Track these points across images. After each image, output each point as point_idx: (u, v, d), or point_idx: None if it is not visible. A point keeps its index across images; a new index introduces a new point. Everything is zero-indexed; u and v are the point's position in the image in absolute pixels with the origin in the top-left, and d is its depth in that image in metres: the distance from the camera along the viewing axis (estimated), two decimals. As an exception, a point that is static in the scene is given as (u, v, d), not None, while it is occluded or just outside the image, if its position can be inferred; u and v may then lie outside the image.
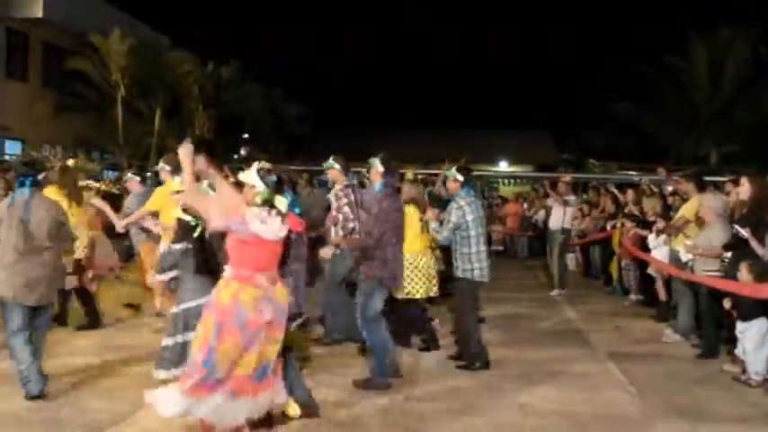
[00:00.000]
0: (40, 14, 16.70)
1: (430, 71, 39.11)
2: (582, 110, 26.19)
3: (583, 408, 4.34)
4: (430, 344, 5.63)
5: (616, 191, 10.18)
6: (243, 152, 24.31)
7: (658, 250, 6.92)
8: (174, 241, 4.09)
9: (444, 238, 5.06)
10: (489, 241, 14.46)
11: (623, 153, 20.27)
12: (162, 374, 3.94)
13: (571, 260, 11.73)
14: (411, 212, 5.46)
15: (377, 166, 4.69)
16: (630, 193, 9.34)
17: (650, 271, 7.42)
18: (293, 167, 18.53)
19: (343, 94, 33.84)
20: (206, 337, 3.27)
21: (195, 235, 3.93)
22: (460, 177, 5.10)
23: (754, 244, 4.88)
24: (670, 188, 8.49)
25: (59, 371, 4.62)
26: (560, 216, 9.05)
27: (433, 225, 5.30)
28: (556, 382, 4.87)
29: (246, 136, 23.79)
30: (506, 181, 22.37)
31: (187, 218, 3.98)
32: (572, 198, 9.27)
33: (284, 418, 3.74)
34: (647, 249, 7.38)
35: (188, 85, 18.67)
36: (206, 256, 3.90)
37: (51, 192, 5.28)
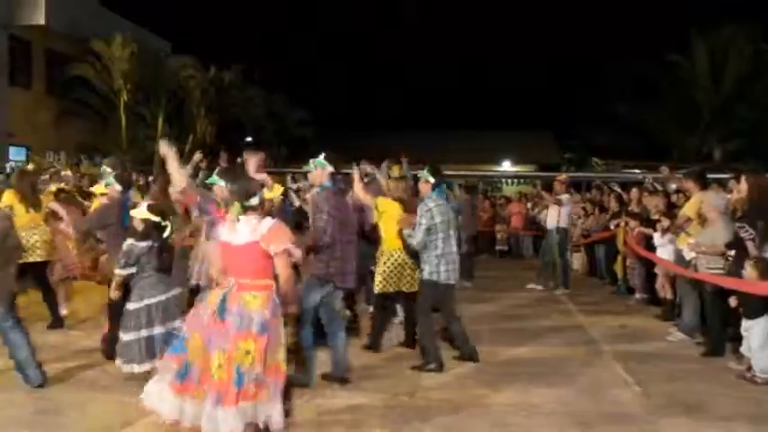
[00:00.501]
0: (42, 21, 16.81)
1: (430, 72, 39.17)
2: (584, 109, 26.12)
3: (587, 406, 4.33)
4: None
5: (619, 190, 10.16)
6: (245, 155, 24.40)
7: (664, 249, 6.89)
8: (139, 239, 4.28)
9: (418, 242, 4.96)
10: (494, 241, 14.63)
11: (626, 152, 20.21)
12: (126, 368, 4.17)
13: (577, 259, 11.73)
14: (393, 210, 5.42)
15: (326, 165, 4.58)
16: (634, 192, 9.32)
17: (656, 270, 7.40)
18: (297, 170, 18.64)
19: (344, 96, 33.93)
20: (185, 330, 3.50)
21: (164, 235, 4.29)
22: (432, 179, 5.09)
23: (750, 245, 4.88)
24: (674, 186, 8.48)
25: (62, 373, 4.65)
26: (555, 216, 9.11)
27: (406, 231, 5.16)
28: (560, 380, 4.87)
29: (249, 140, 23.83)
30: (510, 181, 22.36)
31: (155, 218, 4.26)
32: (565, 197, 9.25)
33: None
34: (651, 248, 7.37)
35: (190, 90, 18.73)
36: (169, 254, 4.33)
37: (8, 196, 5.55)
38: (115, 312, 4.48)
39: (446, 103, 35.62)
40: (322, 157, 4.60)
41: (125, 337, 4.21)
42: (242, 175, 4.25)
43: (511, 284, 9.70)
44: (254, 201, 3.47)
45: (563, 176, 10.13)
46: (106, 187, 5.18)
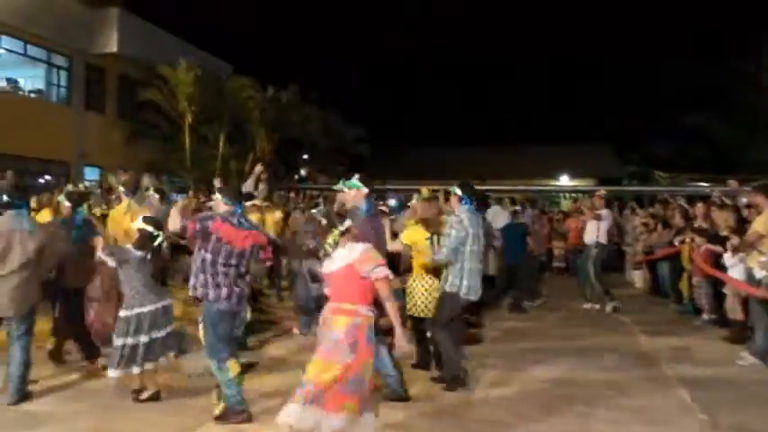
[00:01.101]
0: (115, 49, 17.94)
1: (485, 86, 38.88)
2: (646, 121, 25.24)
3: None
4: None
5: (685, 204, 9.70)
6: (302, 172, 24.97)
7: (735, 269, 6.51)
8: (135, 248, 4.56)
9: (446, 257, 4.88)
10: (551, 258, 14.25)
11: (692, 164, 19.34)
12: (113, 373, 4.37)
13: (638, 277, 11.26)
14: (418, 236, 5.35)
15: (360, 187, 4.50)
16: (700, 206, 8.87)
17: (725, 289, 7.00)
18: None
19: (399, 114, 34.21)
20: None
21: (155, 244, 4.57)
22: (459, 192, 5.05)
23: None
24: (744, 200, 8.02)
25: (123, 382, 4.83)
26: (594, 231, 8.87)
27: (430, 257, 5.13)
28: (619, 406, 4.65)
29: (306, 157, 24.41)
30: (568, 195, 21.81)
31: (149, 228, 4.55)
32: (605, 212, 8.99)
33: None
34: (719, 265, 6.97)
35: (249, 110, 19.36)
36: (161, 265, 4.61)
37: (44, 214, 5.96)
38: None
39: (502, 117, 35.32)
40: (356, 178, 4.52)
41: (115, 342, 4.43)
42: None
43: (567, 302, 9.40)
44: (344, 226, 3.69)
45: (602, 191, 9.89)
46: (58, 205, 5.57)
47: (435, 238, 5.28)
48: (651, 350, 6.49)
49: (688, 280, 8.46)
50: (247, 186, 7.29)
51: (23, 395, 4.43)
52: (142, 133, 18.56)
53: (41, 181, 15.90)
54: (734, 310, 6.76)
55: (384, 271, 3.49)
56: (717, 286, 7.40)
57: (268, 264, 4.56)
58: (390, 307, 3.47)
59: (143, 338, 4.38)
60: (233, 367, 4.05)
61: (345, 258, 3.53)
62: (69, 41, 17.25)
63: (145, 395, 4.49)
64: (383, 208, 5.64)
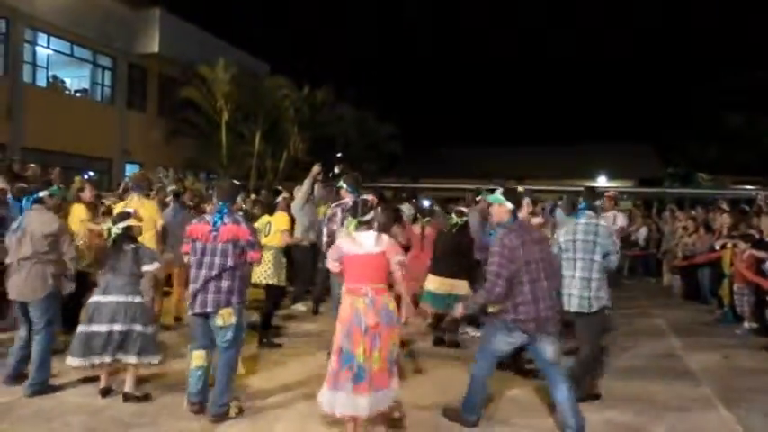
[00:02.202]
0: (156, 49, 18.44)
1: (521, 84, 38.30)
2: (691, 121, 24.41)
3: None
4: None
5: (727, 207, 9.37)
6: (336, 170, 25.14)
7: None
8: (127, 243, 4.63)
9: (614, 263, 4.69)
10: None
11: (737, 166, 18.61)
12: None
13: (676, 282, 10.92)
14: None
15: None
16: (726, 217, 8.55)
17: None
18: (387, 185, 18.90)
19: (433, 112, 34.04)
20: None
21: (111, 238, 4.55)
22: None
23: None
24: (791, 205, 7.70)
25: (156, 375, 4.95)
26: None
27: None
28: (654, 422, 4.43)
29: (340, 155, 24.56)
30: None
31: (137, 224, 4.68)
32: (610, 214, 8.28)
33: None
34: (762, 271, 6.70)
35: (285, 109, 19.60)
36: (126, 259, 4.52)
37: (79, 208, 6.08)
38: None
39: (539, 115, 34.75)
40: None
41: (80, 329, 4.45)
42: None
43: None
44: (368, 217, 3.95)
45: (611, 192, 9.40)
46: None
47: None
48: (688, 360, 6.26)
49: (729, 286, 8.16)
50: (304, 187, 7.35)
51: (42, 388, 4.49)
52: (181, 131, 19.02)
53: (85, 177, 16.46)
54: (777, 319, 6.50)
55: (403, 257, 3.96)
56: (759, 293, 7.12)
57: (249, 261, 4.25)
58: (403, 286, 3.96)
59: (117, 327, 4.40)
60: (195, 358, 4.16)
61: (376, 246, 3.84)
62: (113, 42, 17.82)
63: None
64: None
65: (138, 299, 4.49)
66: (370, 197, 4.43)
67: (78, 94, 18.16)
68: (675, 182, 22.04)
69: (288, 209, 6.86)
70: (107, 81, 18.50)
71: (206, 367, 4.18)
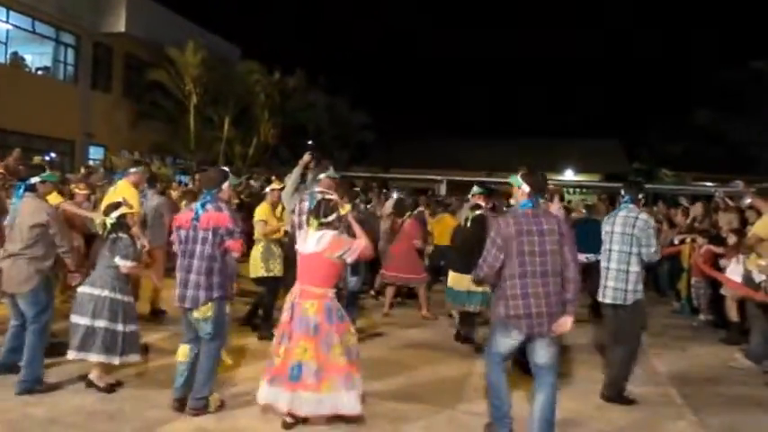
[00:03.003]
0: (122, 29, 17.89)
1: (491, 78, 38.60)
2: (658, 118, 25.01)
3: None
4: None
5: (686, 203, 9.64)
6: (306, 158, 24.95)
7: (734, 271, 6.48)
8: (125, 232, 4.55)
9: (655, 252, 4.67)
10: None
11: (703, 163, 19.16)
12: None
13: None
14: None
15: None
16: (698, 207, 8.83)
17: (723, 291, 6.98)
18: (358, 174, 18.85)
19: (405, 102, 34.04)
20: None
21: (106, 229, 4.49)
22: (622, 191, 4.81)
23: None
24: (748, 201, 7.96)
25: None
26: None
27: None
28: (611, 410, 4.61)
29: (311, 143, 24.37)
30: (572, 190, 21.73)
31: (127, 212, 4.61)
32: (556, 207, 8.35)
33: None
34: (719, 266, 6.94)
35: (255, 94, 19.34)
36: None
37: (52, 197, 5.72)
38: None
39: (507, 109, 35.10)
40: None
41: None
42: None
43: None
44: (330, 218, 3.97)
45: (552, 186, 9.33)
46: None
47: None
48: (646, 348, 6.46)
49: (687, 280, 8.44)
50: (294, 176, 7.06)
51: (33, 384, 4.29)
52: (147, 114, 18.58)
53: (47, 159, 15.94)
54: (731, 311, 6.75)
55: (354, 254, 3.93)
56: (715, 287, 7.38)
57: (235, 254, 4.06)
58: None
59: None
60: (180, 352, 4.11)
61: (316, 246, 3.87)
62: (77, 19, 17.22)
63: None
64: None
65: (118, 296, 4.33)
66: (334, 196, 4.35)
67: (40, 72, 17.52)
68: (640, 177, 22.56)
69: (279, 199, 6.57)
70: (70, 59, 17.88)
71: (190, 363, 4.06)
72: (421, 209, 9.05)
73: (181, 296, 3.97)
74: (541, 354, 3.63)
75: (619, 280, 4.58)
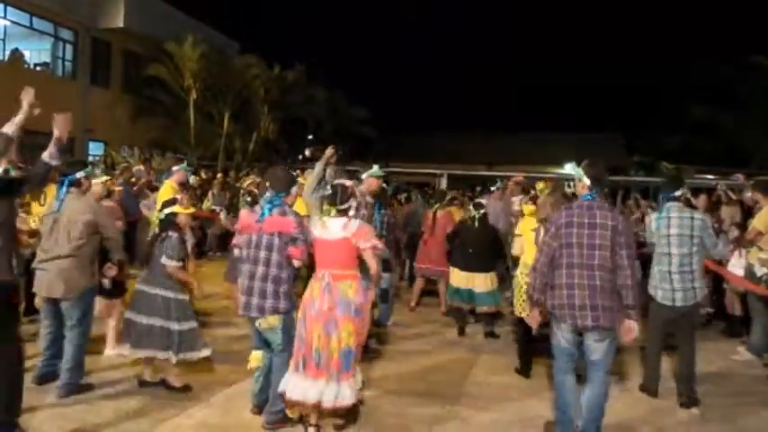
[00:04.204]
0: (121, 24, 17.82)
1: (492, 72, 38.48)
2: (658, 111, 24.98)
3: (642, 427, 4.14)
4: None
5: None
6: (307, 153, 24.92)
7: (736, 264, 6.48)
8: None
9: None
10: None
11: (702, 156, 19.15)
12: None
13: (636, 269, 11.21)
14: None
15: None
16: (702, 200, 8.81)
17: (724, 285, 6.98)
18: (358, 168, 18.82)
19: (404, 97, 33.98)
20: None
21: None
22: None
23: None
24: (749, 194, 7.95)
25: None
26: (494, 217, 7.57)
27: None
28: (614, 396, 4.62)
29: (311, 137, 24.34)
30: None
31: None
32: (517, 199, 7.91)
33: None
34: (721, 260, 6.93)
35: (255, 89, 19.27)
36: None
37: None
38: None
39: (508, 103, 35.03)
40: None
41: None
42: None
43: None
44: (347, 205, 3.91)
45: (519, 177, 9.10)
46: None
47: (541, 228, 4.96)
48: (645, 341, 6.46)
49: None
50: (316, 171, 6.95)
51: (73, 389, 4.19)
52: (147, 109, 18.52)
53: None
54: (733, 304, 6.76)
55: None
56: (717, 281, 7.38)
57: (296, 264, 3.86)
58: (374, 271, 3.86)
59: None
60: (253, 358, 4.00)
61: (342, 231, 3.80)
62: (75, 15, 17.14)
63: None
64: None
65: (170, 293, 4.27)
66: (349, 183, 4.35)
67: (39, 68, 17.46)
68: (641, 170, 22.57)
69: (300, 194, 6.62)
70: (69, 55, 17.80)
71: (265, 368, 3.96)
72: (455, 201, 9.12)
73: (246, 305, 3.79)
74: (592, 348, 3.58)
75: (686, 281, 4.51)
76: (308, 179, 6.15)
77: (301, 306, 3.81)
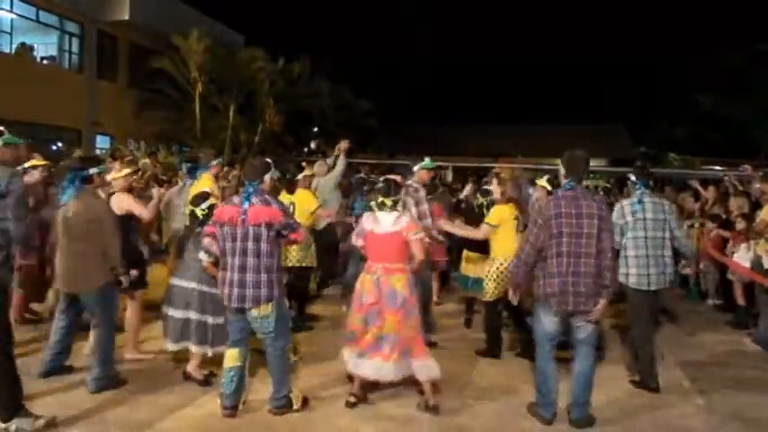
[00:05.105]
0: (126, 17, 17.82)
1: (497, 64, 38.25)
2: (664, 102, 24.79)
3: (646, 418, 4.16)
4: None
5: (700, 188, 9.52)
6: (312, 145, 24.92)
7: (743, 255, 6.47)
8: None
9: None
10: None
11: (708, 147, 19.01)
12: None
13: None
14: (509, 211, 5.27)
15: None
16: (712, 191, 8.78)
17: (730, 276, 6.97)
18: (363, 160, 18.79)
19: (409, 89, 33.85)
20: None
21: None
22: (633, 177, 4.86)
23: None
24: (758, 185, 7.91)
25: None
26: None
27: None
28: (616, 387, 4.68)
29: (316, 130, 24.33)
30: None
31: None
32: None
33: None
34: (726, 251, 6.93)
35: (260, 81, 19.24)
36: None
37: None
38: None
39: (514, 94, 34.83)
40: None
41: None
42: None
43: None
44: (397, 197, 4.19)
45: (496, 168, 9.07)
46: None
47: (520, 217, 5.18)
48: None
49: (695, 264, 8.42)
50: (339, 168, 6.95)
51: (105, 383, 4.22)
52: (153, 102, 18.54)
53: (54, 148, 16.00)
54: (739, 296, 6.75)
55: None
56: (723, 272, 7.37)
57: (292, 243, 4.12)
58: (418, 261, 4.11)
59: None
60: (228, 357, 3.93)
61: (394, 225, 4.03)
62: (81, 8, 17.15)
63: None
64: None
65: (205, 288, 4.27)
66: (398, 178, 4.43)
67: (45, 62, 17.51)
68: (647, 161, 22.40)
69: (309, 187, 6.46)
70: (75, 48, 17.83)
71: (241, 367, 3.94)
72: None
73: (239, 296, 3.77)
74: (582, 330, 3.87)
75: (659, 265, 4.62)
76: (318, 170, 6.13)
77: (353, 298, 4.17)
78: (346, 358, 4.12)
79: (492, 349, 5.36)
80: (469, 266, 6.25)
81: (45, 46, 17.44)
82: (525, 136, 25.04)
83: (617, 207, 4.81)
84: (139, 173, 9.53)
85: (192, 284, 4.30)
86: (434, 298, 7.36)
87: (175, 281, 4.39)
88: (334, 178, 7.01)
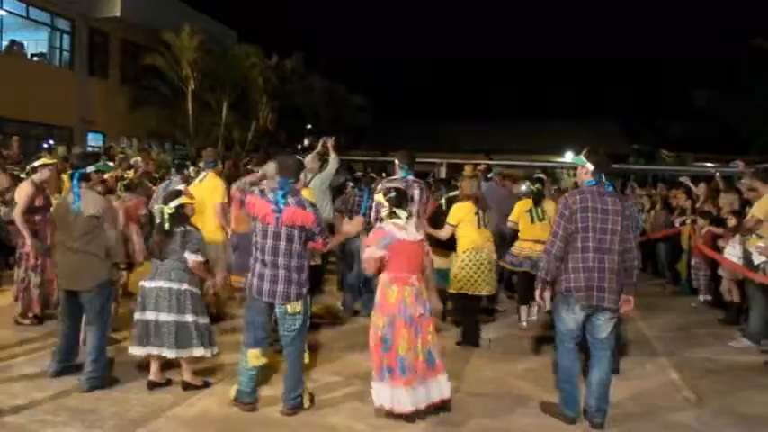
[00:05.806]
0: (117, 13, 17.71)
1: (490, 60, 38.28)
2: (659, 99, 24.89)
3: (637, 413, 4.18)
4: (470, 339, 5.57)
5: (691, 184, 9.57)
6: (306, 142, 24.85)
7: (733, 250, 6.51)
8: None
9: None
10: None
11: (701, 144, 19.08)
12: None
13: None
14: (468, 208, 5.50)
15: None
16: (703, 188, 8.83)
17: (721, 271, 7.02)
18: (356, 158, 18.78)
19: (403, 86, 33.83)
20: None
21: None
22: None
23: None
24: (744, 181, 7.96)
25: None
26: None
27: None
28: (616, 388, 4.66)
29: (309, 126, 24.26)
30: (571, 172, 21.66)
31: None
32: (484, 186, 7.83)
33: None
34: (718, 247, 6.97)
35: (253, 78, 19.17)
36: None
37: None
38: None
39: (506, 91, 34.87)
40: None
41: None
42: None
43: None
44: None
45: (482, 166, 9.15)
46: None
47: (482, 213, 5.51)
48: (643, 328, 6.54)
49: (686, 261, 8.48)
50: (330, 166, 6.71)
51: (98, 382, 4.18)
52: (145, 99, 18.44)
53: (45, 146, 15.89)
54: (730, 292, 6.80)
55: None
56: (714, 268, 7.42)
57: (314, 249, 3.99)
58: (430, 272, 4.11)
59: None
60: (251, 358, 3.88)
61: (418, 233, 3.96)
62: (72, 5, 17.03)
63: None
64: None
65: (185, 286, 4.13)
66: (402, 185, 4.42)
67: (36, 59, 17.37)
68: (640, 158, 22.51)
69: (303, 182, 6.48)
70: (66, 45, 17.70)
71: (261, 367, 3.94)
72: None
73: (270, 291, 3.76)
74: (603, 328, 3.79)
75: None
76: (311, 165, 6.08)
77: (387, 311, 3.80)
78: (402, 401, 3.71)
79: (470, 338, 5.54)
80: (435, 259, 6.31)
81: (35, 43, 17.31)
82: (521, 132, 25.10)
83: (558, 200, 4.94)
84: (132, 170, 9.48)
85: (167, 284, 4.11)
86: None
87: (156, 283, 4.14)
88: (325, 178, 6.85)
